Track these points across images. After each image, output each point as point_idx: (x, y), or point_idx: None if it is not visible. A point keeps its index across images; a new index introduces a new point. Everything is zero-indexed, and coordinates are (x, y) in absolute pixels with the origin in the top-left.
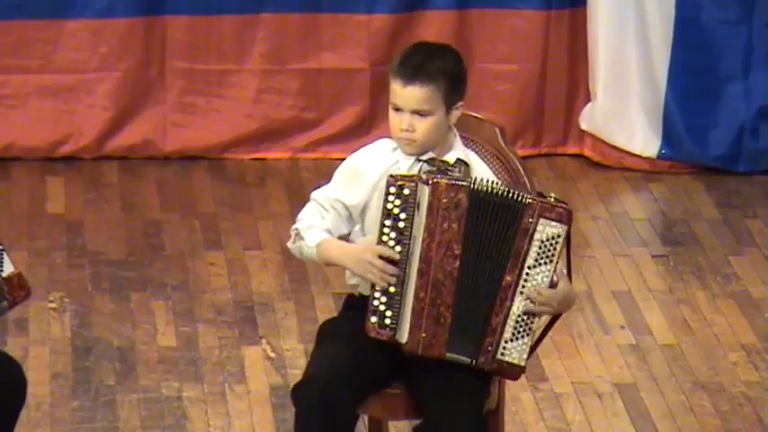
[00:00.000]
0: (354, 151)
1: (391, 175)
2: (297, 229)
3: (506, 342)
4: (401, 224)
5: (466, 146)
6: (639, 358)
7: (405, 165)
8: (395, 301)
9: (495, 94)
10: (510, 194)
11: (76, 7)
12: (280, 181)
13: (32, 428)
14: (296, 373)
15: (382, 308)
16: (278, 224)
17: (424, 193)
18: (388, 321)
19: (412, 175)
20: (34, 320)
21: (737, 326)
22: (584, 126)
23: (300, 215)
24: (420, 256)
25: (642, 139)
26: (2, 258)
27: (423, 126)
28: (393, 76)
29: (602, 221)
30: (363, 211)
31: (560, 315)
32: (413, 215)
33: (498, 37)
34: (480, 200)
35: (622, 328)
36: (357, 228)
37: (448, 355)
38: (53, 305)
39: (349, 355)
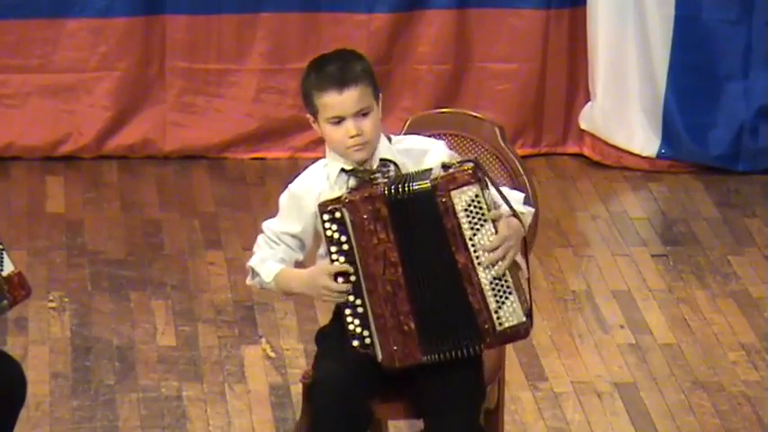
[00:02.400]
0: (294, 179)
1: (320, 204)
2: (251, 266)
3: (496, 312)
4: (345, 246)
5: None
6: (639, 358)
7: (333, 180)
8: (367, 321)
9: (494, 94)
10: (414, 185)
11: (76, 7)
12: (279, 180)
13: (32, 428)
14: (296, 373)
15: (358, 330)
16: None
17: (346, 215)
18: (367, 341)
19: (337, 198)
20: (34, 320)
21: (737, 325)
22: (583, 125)
23: (255, 248)
24: (364, 276)
25: (642, 138)
26: (2, 258)
27: (368, 125)
28: (320, 90)
29: (601, 221)
30: (316, 236)
31: (526, 245)
32: (350, 235)
33: (498, 36)
34: (397, 202)
35: (622, 327)
36: (322, 250)
37: (425, 358)
38: (53, 304)
39: (355, 356)
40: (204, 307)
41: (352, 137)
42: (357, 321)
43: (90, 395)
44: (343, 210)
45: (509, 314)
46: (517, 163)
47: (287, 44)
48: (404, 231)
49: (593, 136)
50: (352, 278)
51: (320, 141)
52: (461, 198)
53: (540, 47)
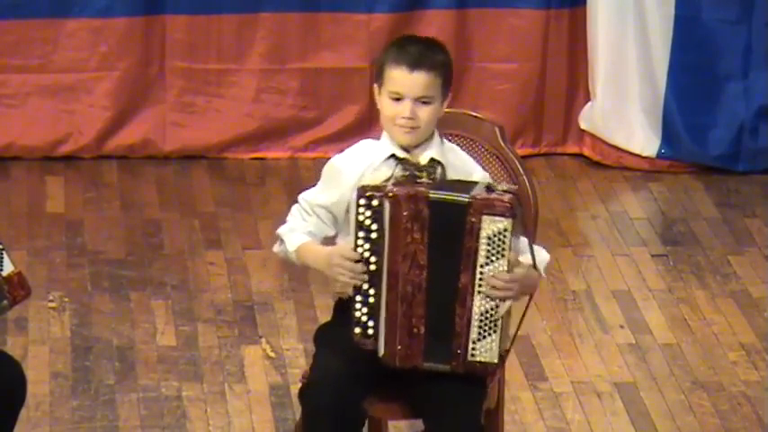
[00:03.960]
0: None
1: (360, 187)
2: (279, 233)
3: (474, 342)
4: (373, 235)
5: (461, 144)
6: (639, 358)
7: (379, 162)
8: (375, 312)
9: (494, 94)
10: (454, 196)
11: (76, 7)
12: (279, 180)
13: (32, 428)
14: (296, 373)
15: (364, 318)
16: (277, 223)
17: (386, 208)
18: (370, 332)
19: (379, 186)
20: (34, 320)
21: (737, 325)
22: (583, 125)
23: (288, 216)
24: (387, 271)
25: (642, 138)
26: (2, 257)
27: (425, 114)
28: (394, 64)
29: (601, 221)
30: (347, 210)
31: (530, 300)
32: (383, 226)
33: (498, 36)
34: (440, 206)
35: (622, 327)
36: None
37: (425, 365)
38: (53, 304)
39: (352, 356)
40: (204, 307)
41: (404, 117)
42: (365, 310)
43: (90, 395)
44: (385, 201)
45: (485, 350)
46: (517, 163)
47: (287, 44)
48: (437, 237)
49: (593, 136)
50: (372, 267)
51: (320, 141)
52: (490, 226)
53: (540, 47)
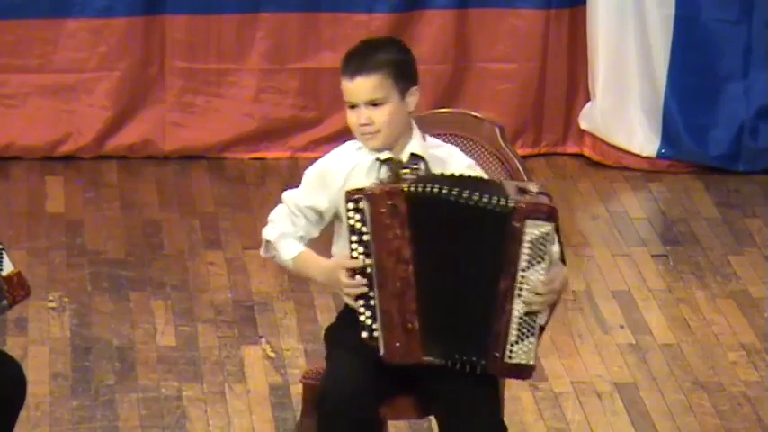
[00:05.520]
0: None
1: (347, 191)
2: (268, 240)
3: (512, 345)
4: (365, 237)
5: (461, 144)
6: (639, 358)
7: (365, 165)
8: (376, 313)
9: (494, 94)
10: (495, 202)
11: (76, 7)
12: (279, 180)
13: (32, 428)
14: (296, 373)
15: (369, 321)
16: None
17: (366, 206)
18: (375, 334)
19: (362, 188)
20: (34, 320)
21: (737, 325)
22: (583, 125)
23: (271, 216)
24: (377, 269)
25: (642, 138)
26: (1, 257)
27: (380, 116)
28: (342, 74)
29: (601, 221)
30: (338, 215)
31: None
32: (369, 227)
33: (498, 36)
34: (418, 200)
35: (622, 327)
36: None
37: (424, 358)
38: (52, 305)
39: (366, 361)
40: (204, 307)
41: (361, 125)
42: (368, 313)
43: (90, 395)
44: (364, 201)
45: (523, 352)
46: (517, 163)
47: (287, 44)
48: (423, 231)
49: (593, 136)
50: (369, 270)
51: (320, 141)
52: (533, 231)
53: (540, 47)
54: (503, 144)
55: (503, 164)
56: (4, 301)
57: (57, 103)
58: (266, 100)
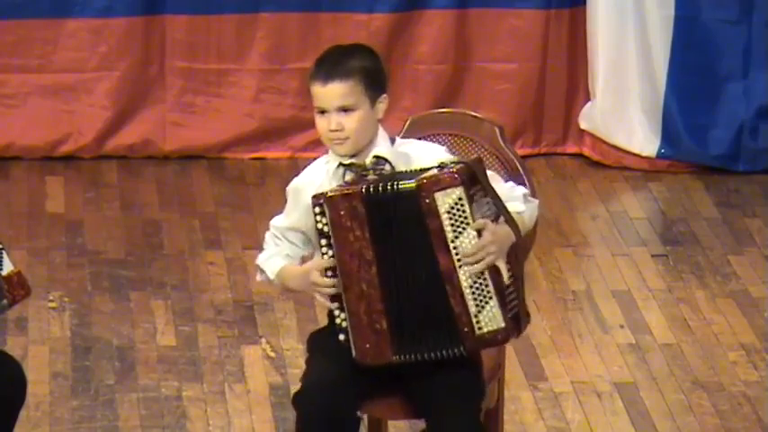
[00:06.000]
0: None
1: (313, 196)
2: (258, 264)
3: (476, 316)
4: (332, 240)
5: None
6: (639, 358)
7: (331, 173)
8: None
9: (494, 94)
10: (398, 185)
11: (76, 7)
12: (279, 180)
13: (32, 428)
14: (296, 373)
15: (344, 324)
16: None
17: (326, 209)
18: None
19: (324, 192)
20: (34, 320)
21: (737, 325)
22: (583, 125)
23: (264, 245)
24: (341, 272)
25: (641, 138)
26: (1, 257)
27: (350, 122)
28: (312, 80)
29: (601, 221)
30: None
31: (526, 240)
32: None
33: (498, 36)
34: (376, 200)
35: (622, 327)
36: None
37: (395, 358)
38: (52, 304)
39: (346, 360)
40: (204, 307)
41: (331, 130)
42: (343, 315)
43: (90, 395)
44: (324, 204)
45: (489, 319)
46: (517, 163)
47: (287, 44)
48: (382, 231)
49: (593, 136)
50: (338, 272)
51: (320, 141)
52: (445, 200)
53: (540, 47)
54: (503, 144)
55: (503, 164)
56: (4, 301)
57: (57, 103)
58: (266, 100)
